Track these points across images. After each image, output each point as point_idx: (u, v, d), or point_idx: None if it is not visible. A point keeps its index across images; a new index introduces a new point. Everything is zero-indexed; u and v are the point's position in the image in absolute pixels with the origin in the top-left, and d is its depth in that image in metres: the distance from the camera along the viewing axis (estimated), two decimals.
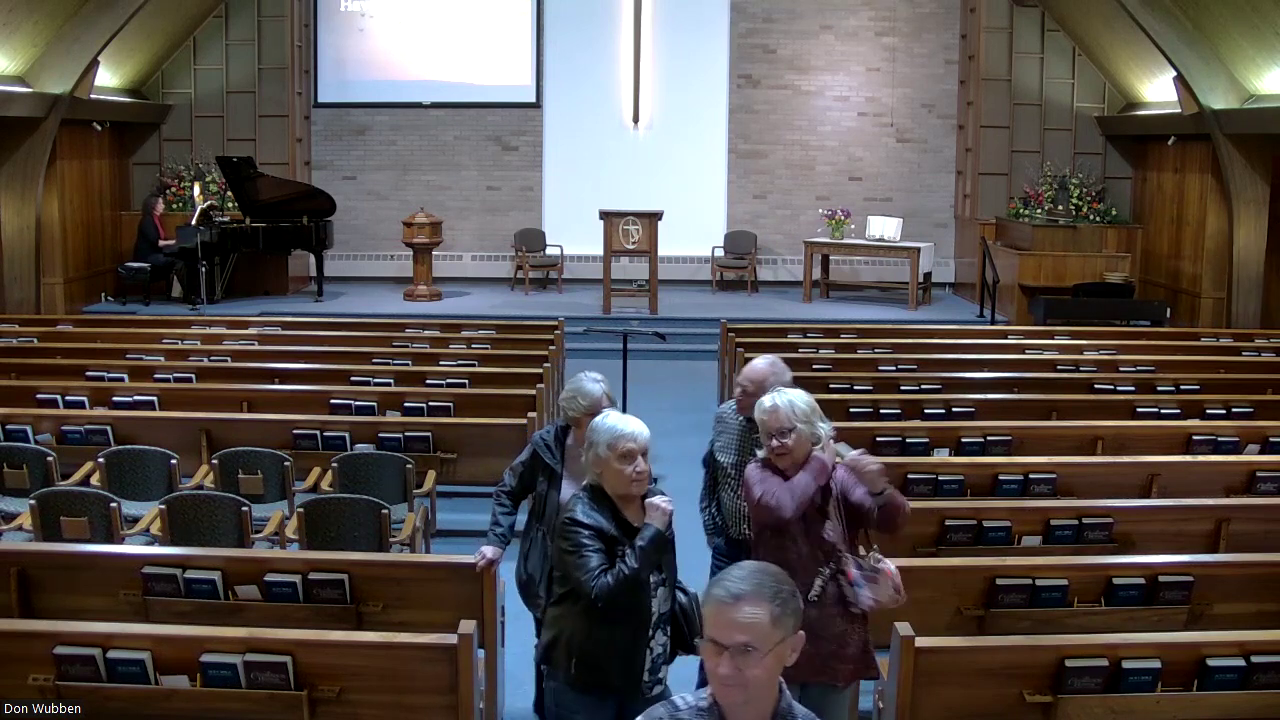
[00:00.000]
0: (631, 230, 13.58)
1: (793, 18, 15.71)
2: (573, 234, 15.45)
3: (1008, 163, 15.03)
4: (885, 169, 15.88)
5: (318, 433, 6.85)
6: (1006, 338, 10.72)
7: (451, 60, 15.86)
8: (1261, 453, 6.80)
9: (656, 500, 3.73)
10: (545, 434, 4.66)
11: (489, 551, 4.48)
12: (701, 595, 2.59)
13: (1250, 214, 12.42)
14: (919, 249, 14.30)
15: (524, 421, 7.01)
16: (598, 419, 3.81)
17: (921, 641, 3.81)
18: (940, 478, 5.93)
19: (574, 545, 3.62)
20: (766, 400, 4.09)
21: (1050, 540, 5.29)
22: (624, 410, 8.61)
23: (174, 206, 14.75)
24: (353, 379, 8.31)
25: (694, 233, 15.41)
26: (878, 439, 6.67)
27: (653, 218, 13.56)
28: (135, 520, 5.85)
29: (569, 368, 10.84)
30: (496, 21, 15.85)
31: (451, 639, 3.83)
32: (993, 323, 12.79)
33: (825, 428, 4.09)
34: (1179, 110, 12.69)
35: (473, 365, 8.90)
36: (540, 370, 8.38)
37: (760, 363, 4.77)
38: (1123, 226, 14.65)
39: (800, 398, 4.06)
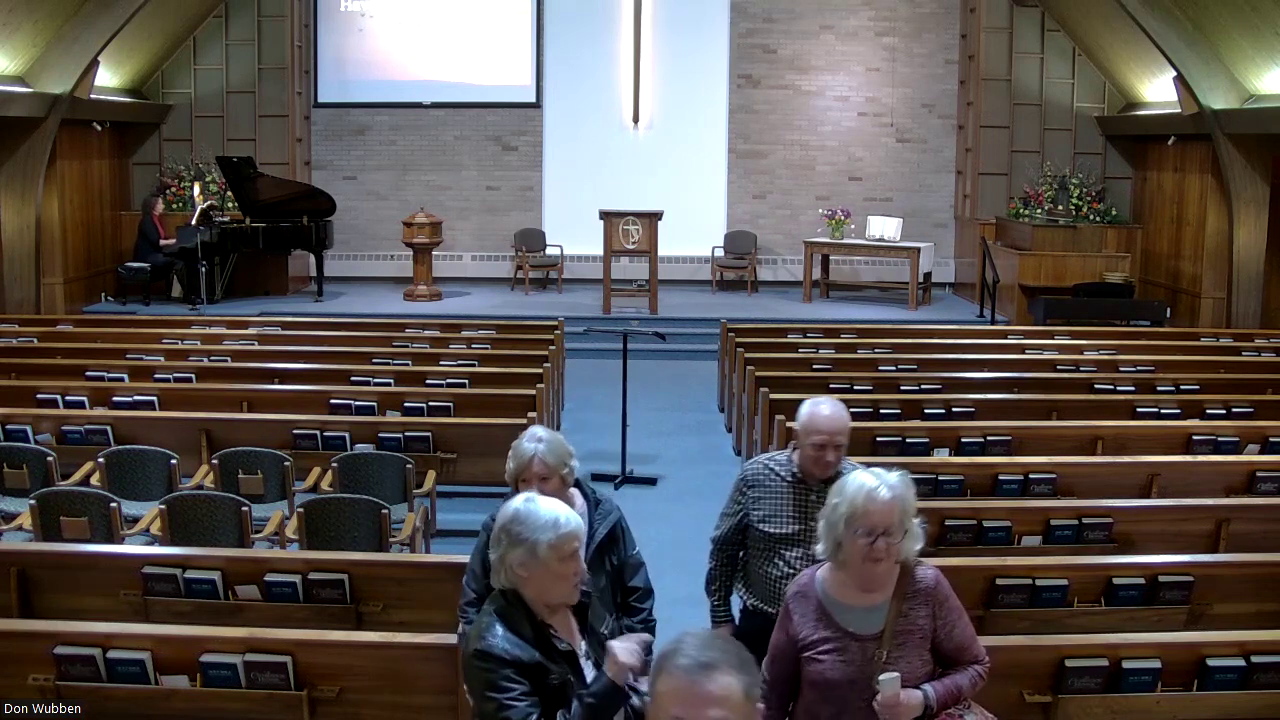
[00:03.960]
0: (631, 230, 13.58)
1: (793, 18, 15.71)
2: (573, 234, 15.45)
3: (1008, 163, 15.03)
4: (885, 169, 15.88)
5: (318, 433, 6.85)
6: (1006, 338, 10.72)
7: (451, 60, 15.86)
8: (1261, 453, 6.80)
9: (619, 647, 2.90)
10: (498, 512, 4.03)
11: None
12: (652, 667, 2.20)
13: (1250, 214, 12.42)
14: (919, 249, 14.30)
15: (524, 421, 7.00)
16: (518, 506, 3.02)
17: None
18: (940, 478, 5.93)
19: (493, 690, 2.85)
20: (869, 480, 3.05)
21: (1050, 540, 5.30)
22: (623, 410, 8.72)
23: (174, 206, 14.75)
24: (353, 379, 8.31)
25: (694, 233, 15.41)
26: (878, 439, 6.67)
27: (653, 218, 13.56)
28: (135, 520, 5.85)
29: (569, 368, 10.87)
30: (496, 21, 15.85)
31: (451, 639, 3.83)
32: (993, 323, 12.79)
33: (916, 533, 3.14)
34: (1179, 110, 12.69)
35: (473, 365, 8.90)
36: (540, 370, 8.38)
37: (835, 408, 3.84)
38: (1123, 226, 14.65)
39: (906, 483, 3.10)
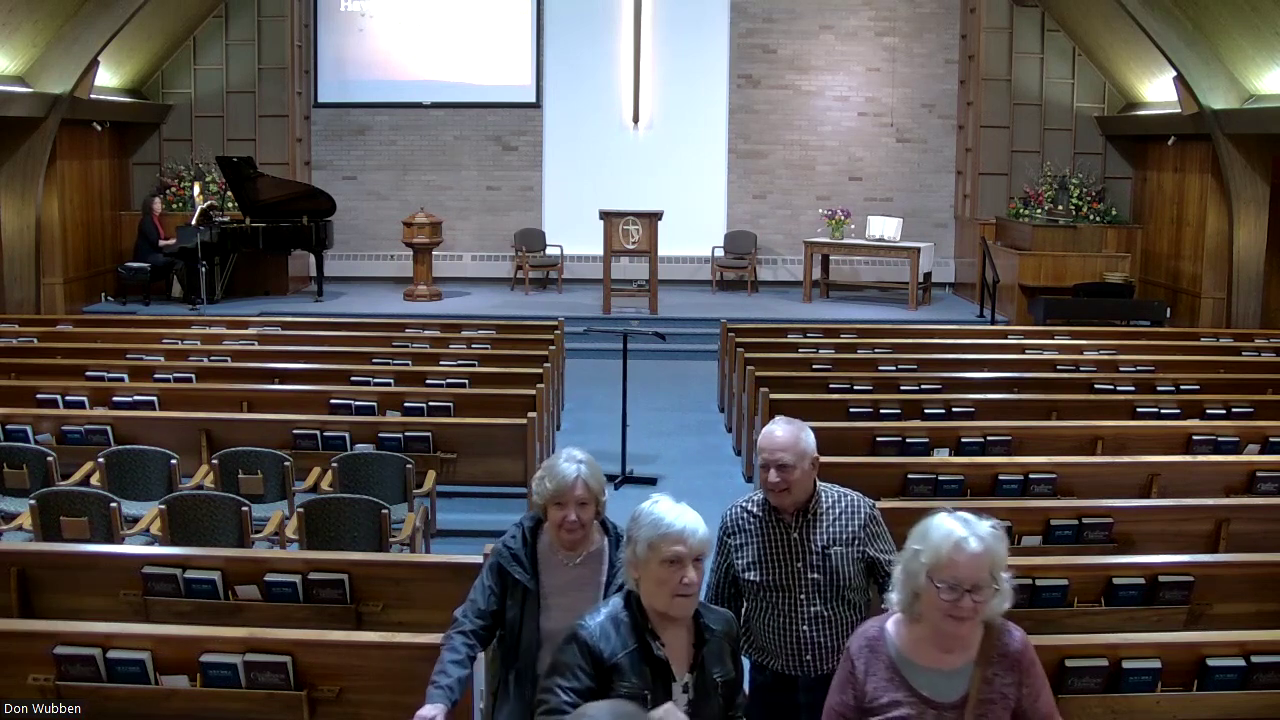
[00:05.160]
0: (631, 230, 13.58)
1: (793, 18, 15.71)
2: (573, 234, 15.45)
3: (1008, 163, 15.03)
4: (885, 169, 15.88)
5: (318, 433, 6.85)
6: (1006, 338, 10.72)
7: (451, 60, 15.86)
8: (1261, 453, 6.80)
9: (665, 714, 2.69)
10: (510, 539, 3.51)
11: (427, 712, 3.22)
12: None
13: (1250, 214, 12.42)
14: (919, 249, 14.30)
15: (524, 421, 7.01)
16: (645, 506, 2.95)
17: None
18: (940, 478, 5.93)
19: (557, 672, 2.83)
20: (957, 528, 2.76)
21: (1050, 540, 5.29)
22: (623, 410, 8.72)
23: (174, 206, 14.75)
24: (353, 379, 8.31)
25: (694, 233, 15.41)
26: (878, 439, 6.67)
27: (653, 218, 13.55)
28: (135, 520, 5.84)
29: (569, 368, 10.87)
30: (496, 21, 15.85)
31: None
32: (993, 323, 12.79)
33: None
34: (1179, 110, 12.69)
35: (473, 365, 8.90)
36: (540, 370, 8.38)
37: (786, 428, 3.59)
38: (1123, 226, 14.65)
39: (998, 536, 2.81)
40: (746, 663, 3.62)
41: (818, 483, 3.62)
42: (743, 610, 3.65)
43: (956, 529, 2.75)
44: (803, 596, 3.53)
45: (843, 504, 3.63)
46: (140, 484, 6.20)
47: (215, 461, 6.25)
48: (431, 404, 7.59)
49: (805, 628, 3.52)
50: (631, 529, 2.91)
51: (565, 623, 3.24)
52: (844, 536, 3.57)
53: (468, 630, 3.42)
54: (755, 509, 3.64)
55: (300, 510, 5.46)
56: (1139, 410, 7.70)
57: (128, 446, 6.44)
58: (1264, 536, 5.33)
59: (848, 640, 3.28)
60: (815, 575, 3.52)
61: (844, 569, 3.54)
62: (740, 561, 3.60)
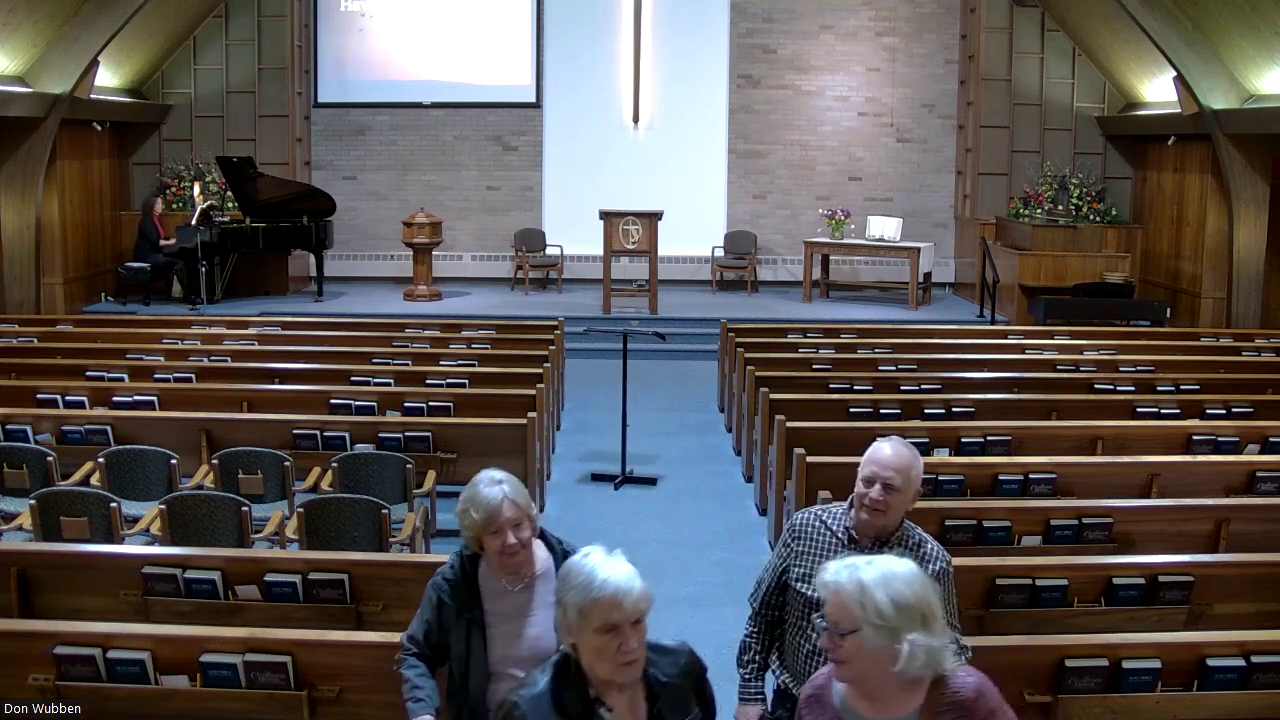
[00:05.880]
0: (631, 230, 13.58)
1: (793, 18, 15.71)
2: (573, 234, 15.45)
3: (1008, 163, 15.03)
4: (885, 169, 15.88)
5: (318, 433, 6.85)
6: (1006, 338, 10.73)
7: (451, 60, 15.86)
8: (1261, 453, 6.80)
9: None
10: (448, 570, 3.32)
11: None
12: None
13: (1250, 214, 12.42)
14: (919, 249, 14.31)
15: (524, 421, 7.01)
16: (575, 561, 2.63)
17: None
18: (940, 478, 5.94)
19: None
20: (845, 579, 2.57)
21: (1050, 540, 5.30)
22: (623, 410, 8.72)
23: (174, 206, 14.75)
24: (353, 379, 8.31)
25: (694, 233, 15.41)
26: (878, 439, 6.65)
27: (653, 218, 13.56)
28: (135, 520, 5.84)
29: (569, 368, 10.87)
30: (496, 21, 15.85)
31: None
32: (993, 323, 12.79)
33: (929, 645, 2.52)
34: (1179, 110, 12.69)
35: (473, 365, 8.90)
36: (540, 370, 8.38)
37: (899, 448, 3.40)
38: (1123, 226, 14.65)
39: (883, 580, 2.55)
40: (770, 686, 3.49)
41: (905, 520, 3.38)
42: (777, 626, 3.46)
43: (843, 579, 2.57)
44: None
45: (923, 550, 3.33)
46: (140, 484, 6.20)
47: (215, 461, 6.25)
48: (431, 404, 7.59)
49: None
50: (559, 591, 2.61)
51: (516, 650, 3.16)
52: None
53: (417, 654, 3.27)
54: (835, 525, 3.40)
55: (300, 510, 5.46)
56: (1139, 410, 7.70)
57: (128, 446, 6.45)
58: (1264, 536, 5.33)
59: None
60: None
61: None
62: (797, 569, 3.37)
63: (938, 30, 15.72)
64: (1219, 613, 4.62)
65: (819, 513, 3.45)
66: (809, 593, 3.26)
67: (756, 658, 3.48)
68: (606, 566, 2.57)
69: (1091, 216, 14.53)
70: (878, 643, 2.48)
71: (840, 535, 3.37)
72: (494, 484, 3.19)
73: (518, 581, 3.26)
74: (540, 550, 3.31)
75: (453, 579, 3.26)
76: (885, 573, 2.52)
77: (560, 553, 3.29)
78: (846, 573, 2.53)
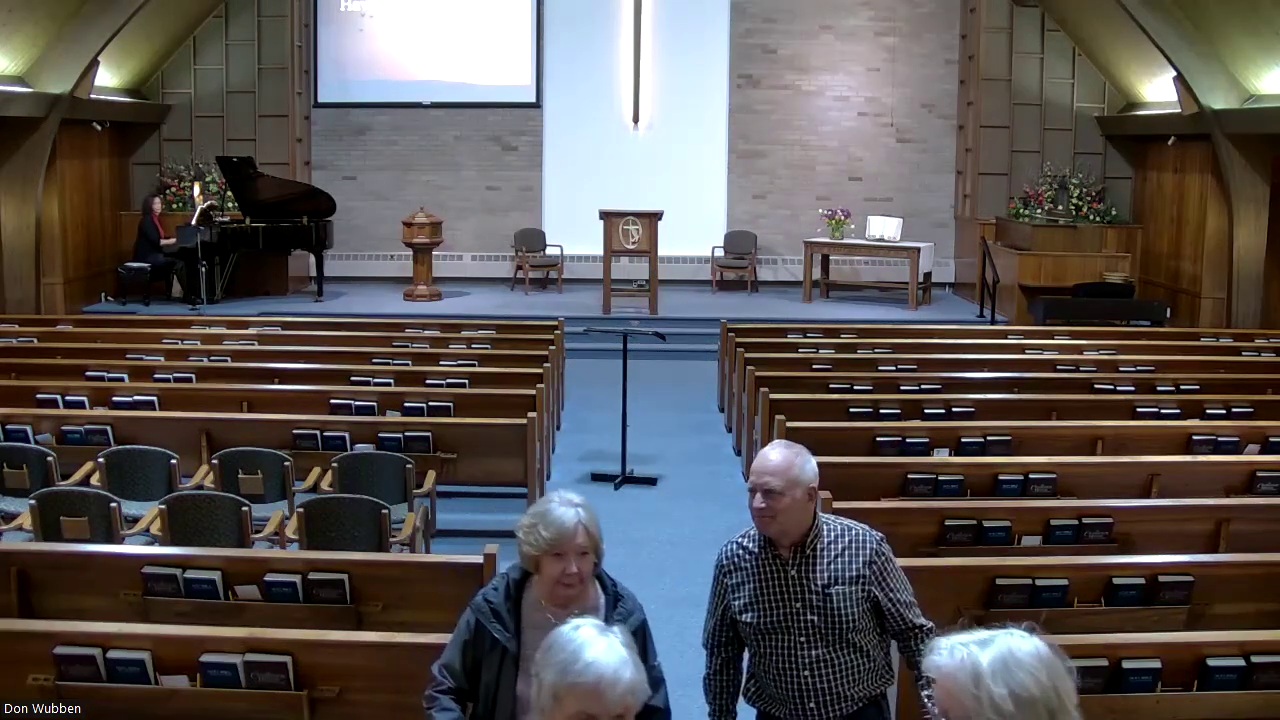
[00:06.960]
0: (631, 230, 13.58)
1: (793, 18, 15.71)
2: (573, 234, 15.45)
3: (1008, 163, 15.03)
4: (885, 169, 15.88)
5: (318, 433, 6.85)
6: (1006, 338, 10.72)
7: (451, 60, 15.86)
8: (1261, 453, 6.80)
9: None
10: (491, 591, 3.11)
11: None
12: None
13: (1250, 214, 12.42)
14: (919, 249, 14.30)
15: (524, 421, 7.01)
16: (562, 632, 2.30)
17: None
18: (940, 478, 5.93)
19: None
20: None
21: (1050, 540, 5.29)
22: (623, 410, 8.72)
23: (174, 206, 14.75)
24: (353, 379, 8.31)
25: (694, 233, 15.40)
26: (878, 439, 6.67)
27: (653, 218, 13.55)
28: (135, 520, 5.84)
29: (569, 368, 10.87)
30: (496, 21, 15.85)
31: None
32: (993, 323, 12.78)
33: None
34: (1179, 110, 12.69)
35: (473, 365, 8.90)
36: (540, 370, 8.38)
37: (782, 451, 3.29)
38: (1123, 226, 14.65)
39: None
40: (752, 714, 3.44)
41: (819, 515, 3.31)
42: (744, 657, 3.41)
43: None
44: (802, 639, 3.23)
45: (846, 539, 3.29)
46: (140, 484, 6.20)
47: (215, 461, 6.25)
48: (431, 404, 7.59)
49: (806, 673, 3.23)
50: (537, 663, 2.29)
51: None
52: (846, 575, 3.24)
53: (447, 689, 3.10)
54: (752, 545, 3.33)
55: (300, 510, 5.46)
56: (1139, 410, 7.70)
57: (128, 446, 6.45)
58: (1264, 536, 5.32)
59: (853, 687, 3.21)
60: (813, 616, 3.22)
61: (846, 610, 3.22)
62: (737, 602, 3.31)
63: (938, 30, 15.72)
64: (1219, 613, 4.61)
65: (737, 540, 3.39)
66: (756, 621, 3.27)
67: (722, 694, 3.45)
68: (594, 647, 2.23)
69: (1091, 216, 14.53)
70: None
71: (760, 552, 3.31)
72: (569, 505, 3.00)
73: (564, 616, 2.90)
74: (593, 588, 3.10)
75: (495, 601, 3.07)
76: (1005, 657, 2.18)
77: (612, 595, 3.10)
78: (962, 653, 2.20)
